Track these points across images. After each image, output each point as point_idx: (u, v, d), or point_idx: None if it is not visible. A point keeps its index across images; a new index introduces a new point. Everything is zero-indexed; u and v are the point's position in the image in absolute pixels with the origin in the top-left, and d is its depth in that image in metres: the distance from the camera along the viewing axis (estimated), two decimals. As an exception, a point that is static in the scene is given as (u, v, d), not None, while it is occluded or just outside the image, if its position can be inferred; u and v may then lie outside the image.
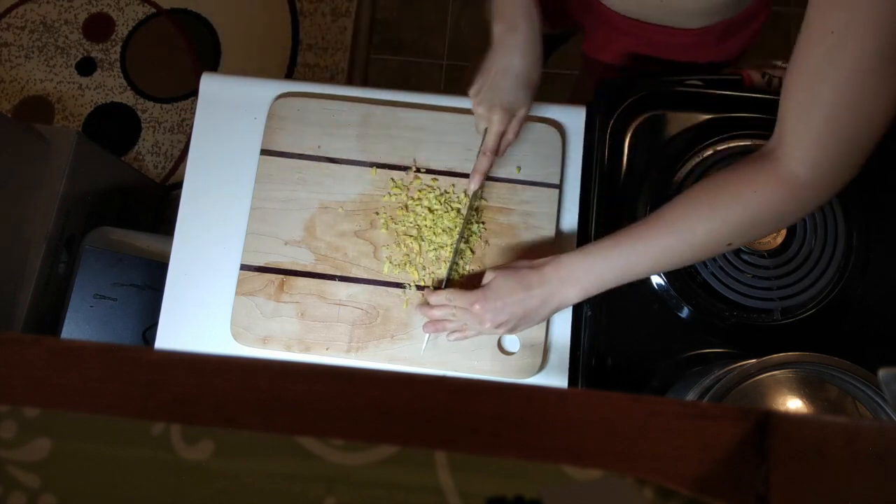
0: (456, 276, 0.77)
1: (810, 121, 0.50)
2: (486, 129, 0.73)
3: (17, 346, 0.27)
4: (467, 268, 0.78)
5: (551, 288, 0.65)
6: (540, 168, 0.79)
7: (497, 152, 0.74)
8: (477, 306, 0.68)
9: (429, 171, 0.80)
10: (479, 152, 0.74)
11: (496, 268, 0.70)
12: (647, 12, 0.78)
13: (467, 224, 0.77)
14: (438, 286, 0.76)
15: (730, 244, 0.58)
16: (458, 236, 0.77)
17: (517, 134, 0.74)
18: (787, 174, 0.53)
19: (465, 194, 0.78)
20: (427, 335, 0.75)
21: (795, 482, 0.25)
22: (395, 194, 0.79)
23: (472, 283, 0.76)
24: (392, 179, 0.80)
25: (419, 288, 0.77)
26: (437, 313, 0.72)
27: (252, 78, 0.85)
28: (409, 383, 0.26)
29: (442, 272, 0.77)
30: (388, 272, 0.77)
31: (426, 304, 0.74)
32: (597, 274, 0.63)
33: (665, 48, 0.82)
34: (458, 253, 0.76)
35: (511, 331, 0.69)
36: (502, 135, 0.73)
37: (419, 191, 0.79)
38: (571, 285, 0.65)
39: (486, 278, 0.69)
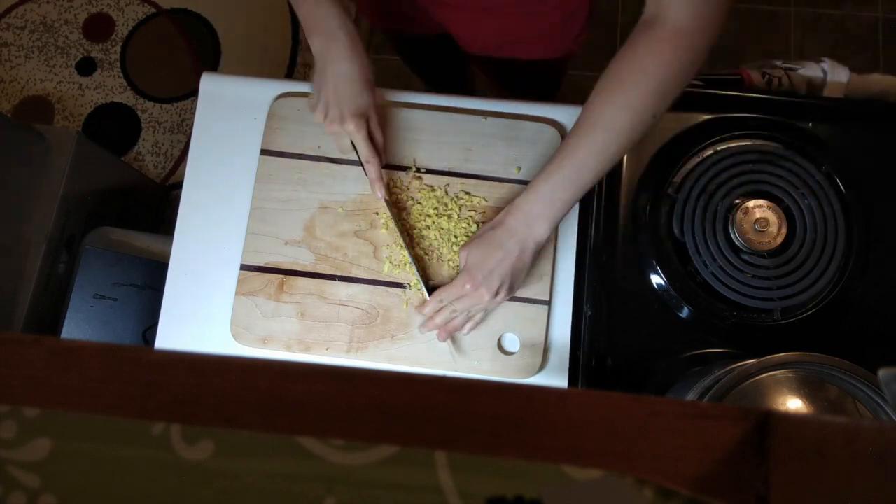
0: (440, 276, 0.77)
1: None
2: (352, 143, 0.74)
3: (17, 346, 0.27)
4: (445, 267, 0.77)
5: (521, 234, 0.67)
6: (539, 168, 0.79)
7: (379, 154, 0.75)
8: (467, 286, 0.69)
9: (428, 171, 0.80)
10: (360, 164, 0.75)
11: (464, 246, 0.71)
12: None
13: (410, 229, 0.78)
14: (423, 302, 0.76)
15: (654, 115, 0.61)
16: (406, 247, 0.77)
17: (380, 130, 0.75)
18: (674, 30, 0.57)
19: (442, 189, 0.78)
20: (448, 344, 0.75)
21: (795, 482, 0.25)
22: (394, 194, 0.79)
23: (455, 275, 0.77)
24: (392, 179, 0.80)
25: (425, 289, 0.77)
26: (438, 320, 0.72)
27: (252, 78, 0.85)
28: (409, 383, 0.26)
29: (443, 273, 0.77)
30: (388, 272, 0.77)
31: (426, 319, 0.74)
32: (553, 200, 0.65)
33: (528, 17, 0.82)
34: (417, 261, 0.77)
35: (510, 291, 0.70)
36: (371, 138, 0.74)
37: (419, 191, 0.79)
38: (538, 222, 0.66)
39: (461, 259, 0.70)
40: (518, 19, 0.82)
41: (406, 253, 0.76)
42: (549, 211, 0.66)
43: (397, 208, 0.79)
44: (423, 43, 1.03)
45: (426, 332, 0.75)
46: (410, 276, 0.77)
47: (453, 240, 0.77)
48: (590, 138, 0.62)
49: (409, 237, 0.78)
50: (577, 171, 0.63)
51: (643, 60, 0.59)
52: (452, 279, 0.77)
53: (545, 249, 0.78)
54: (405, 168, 0.80)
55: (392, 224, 0.78)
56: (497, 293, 0.69)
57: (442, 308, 0.72)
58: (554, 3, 0.80)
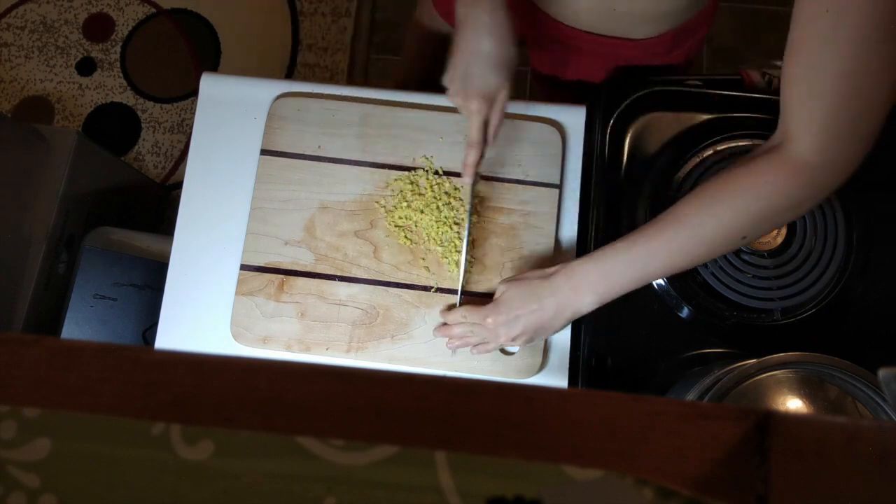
0: (433, 285, 0.77)
1: (814, 105, 0.50)
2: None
3: (17, 346, 0.27)
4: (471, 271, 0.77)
5: (564, 297, 0.64)
6: (540, 168, 0.79)
7: (485, 142, 0.70)
8: (489, 320, 0.67)
9: (428, 171, 0.80)
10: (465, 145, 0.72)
11: (507, 280, 0.69)
12: (598, 23, 0.76)
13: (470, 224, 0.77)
14: (453, 305, 0.75)
15: (744, 237, 0.57)
16: (465, 244, 0.75)
17: (502, 119, 0.70)
18: (796, 161, 0.52)
19: (459, 189, 0.78)
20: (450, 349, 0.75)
21: (795, 482, 0.25)
22: (394, 194, 0.79)
23: (486, 297, 0.75)
24: (392, 179, 0.80)
25: (424, 289, 0.77)
26: (456, 331, 0.72)
27: (252, 78, 0.85)
28: (409, 383, 0.26)
29: (444, 273, 0.77)
30: (390, 272, 0.77)
31: (444, 325, 0.74)
32: (610, 278, 0.62)
33: (615, 59, 0.81)
34: (467, 261, 0.76)
35: (527, 342, 0.68)
36: (486, 123, 0.69)
37: (420, 194, 0.79)
38: (585, 292, 0.63)
39: (498, 291, 0.69)
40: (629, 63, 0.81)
41: (461, 252, 0.76)
42: (600, 287, 0.62)
43: (396, 207, 0.79)
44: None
45: (441, 336, 0.74)
46: (446, 274, 0.76)
47: (458, 243, 0.77)
48: (670, 235, 0.58)
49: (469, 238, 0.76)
50: (645, 261, 0.60)
51: (755, 181, 0.54)
52: (465, 288, 0.77)
53: (546, 249, 0.78)
54: (405, 168, 0.80)
55: (392, 225, 0.77)
56: (514, 339, 0.67)
57: (463, 324, 0.71)
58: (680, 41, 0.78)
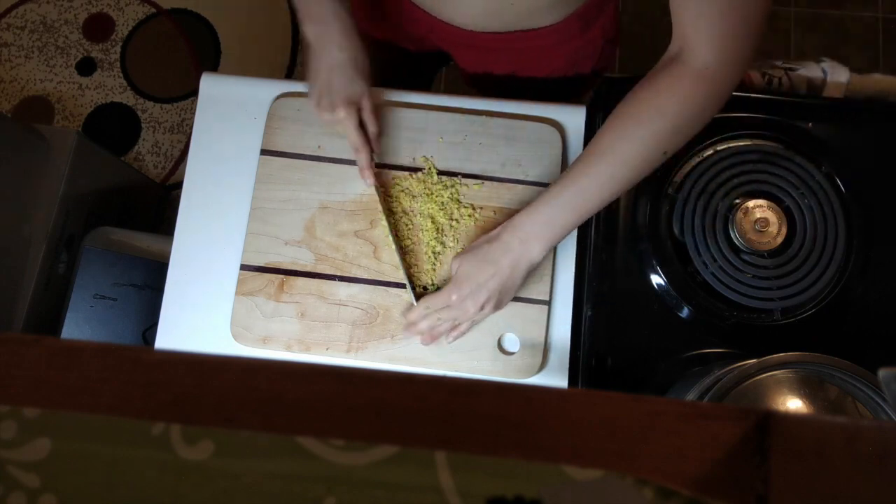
0: (430, 283, 0.77)
1: (708, 14, 0.54)
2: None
3: (17, 346, 0.27)
4: (435, 268, 0.77)
5: (515, 252, 0.66)
6: (540, 168, 0.79)
7: (370, 145, 0.75)
8: (454, 297, 0.68)
9: (427, 172, 0.80)
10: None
11: (457, 255, 0.70)
12: (500, 21, 0.75)
13: (395, 225, 0.77)
14: (410, 306, 0.75)
15: (665, 153, 0.60)
16: (396, 247, 0.76)
17: (377, 122, 0.75)
18: (697, 70, 0.56)
19: (459, 190, 0.78)
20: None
21: (795, 482, 0.25)
22: (394, 194, 0.79)
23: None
24: (392, 179, 0.80)
25: (424, 289, 0.77)
26: (422, 325, 0.72)
27: (252, 78, 0.85)
28: (409, 383, 0.26)
29: (443, 273, 0.77)
30: (390, 273, 0.77)
31: (410, 324, 0.73)
32: (553, 223, 0.65)
33: (534, 52, 0.80)
34: (406, 264, 0.76)
35: (497, 307, 0.70)
36: (361, 126, 0.74)
37: (419, 195, 0.79)
38: (533, 242, 0.66)
39: (453, 268, 0.70)
40: (550, 53, 0.81)
41: (396, 253, 0.76)
42: (546, 233, 0.65)
43: (394, 209, 0.79)
44: (412, 58, 0.97)
45: (409, 336, 0.74)
46: (445, 274, 0.77)
47: (451, 244, 0.77)
48: (596, 168, 0.62)
49: (398, 238, 0.77)
50: (580, 198, 0.63)
51: (661, 97, 0.58)
52: (427, 290, 0.77)
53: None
54: (405, 168, 0.80)
55: (384, 221, 0.77)
56: (482, 307, 0.68)
57: (428, 315, 0.71)
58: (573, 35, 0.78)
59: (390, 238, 0.77)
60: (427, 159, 0.80)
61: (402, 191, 0.79)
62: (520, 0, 0.70)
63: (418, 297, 0.76)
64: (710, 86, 0.57)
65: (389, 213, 0.78)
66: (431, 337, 0.73)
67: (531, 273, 0.70)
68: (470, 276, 0.68)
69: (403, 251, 0.77)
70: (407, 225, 0.78)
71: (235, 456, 0.24)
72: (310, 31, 0.70)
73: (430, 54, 0.93)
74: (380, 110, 0.78)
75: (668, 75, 0.58)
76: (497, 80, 0.89)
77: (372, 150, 0.76)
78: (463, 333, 0.74)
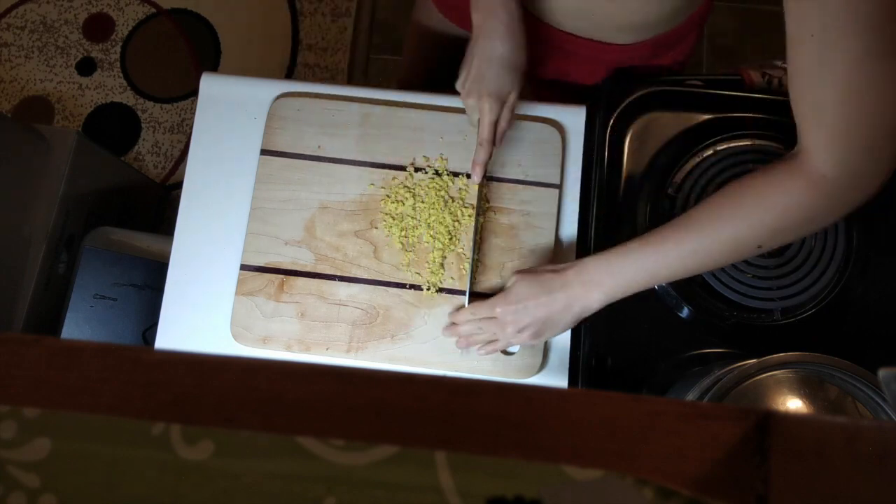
0: (437, 283, 0.77)
1: (823, 121, 0.50)
2: (479, 120, 0.72)
3: (17, 346, 0.27)
4: (443, 268, 0.77)
5: (574, 292, 0.64)
6: (540, 168, 0.79)
7: (494, 142, 0.72)
8: (498, 309, 0.68)
9: (428, 171, 0.80)
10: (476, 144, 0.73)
11: (519, 272, 0.69)
12: (579, 25, 0.76)
13: (476, 224, 0.77)
14: (461, 306, 0.75)
15: (759, 247, 0.57)
16: (473, 245, 0.76)
17: (511, 121, 0.73)
18: (812, 173, 0.52)
19: (461, 189, 0.78)
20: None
21: (795, 482, 0.25)
22: (395, 194, 0.79)
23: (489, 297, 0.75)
24: (393, 179, 0.80)
25: (421, 289, 0.77)
26: (464, 329, 0.72)
27: (252, 78, 0.85)
28: (409, 383, 0.26)
29: (444, 273, 0.77)
30: (390, 272, 0.77)
31: (451, 325, 0.74)
32: (621, 277, 0.62)
33: (596, 63, 0.81)
34: (474, 262, 0.76)
35: (535, 337, 0.68)
36: (496, 123, 0.71)
37: (420, 194, 0.79)
38: (595, 289, 0.63)
39: (509, 282, 0.69)
40: (610, 69, 0.81)
41: (469, 255, 0.76)
42: (610, 285, 0.62)
43: (395, 210, 0.79)
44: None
45: (448, 336, 0.74)
46: (445, 274, 0.76)
47: (455, 243, 0.77)
48: (684, 240, 0.58)
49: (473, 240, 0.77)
50: (656, 262, 0.60)
51: (770, 190, 0.54)
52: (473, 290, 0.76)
53: (546, 248, 0.78)
54: (405, 168, 0.80)
55: (392, 224, 0.77)
56: (521, 331, 0.67)
57: (471, 321, 0.71)
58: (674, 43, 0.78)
59: (470, 235, 0.76)
60: (427, 159, 0.80)
61: (403, 190, 0.79)
62: (599, 14, 0.70)
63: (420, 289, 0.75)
64: (824, 196, 0.52)
65: (479, 212, 0.77)
66: (467, 342, 0.73)
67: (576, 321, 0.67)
68: (520, 297, 0.66)
69: (477, 247, 0.77)
70: (406, 224, 0.78)
71: (235, 456, 0.24)
72: (475, 16, 0.69)
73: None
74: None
75: (783, 171, 0.54)
76: (538, 81, 0.89)
77: (492, 150, 0.73)
78: (495, 351, 0.73)
